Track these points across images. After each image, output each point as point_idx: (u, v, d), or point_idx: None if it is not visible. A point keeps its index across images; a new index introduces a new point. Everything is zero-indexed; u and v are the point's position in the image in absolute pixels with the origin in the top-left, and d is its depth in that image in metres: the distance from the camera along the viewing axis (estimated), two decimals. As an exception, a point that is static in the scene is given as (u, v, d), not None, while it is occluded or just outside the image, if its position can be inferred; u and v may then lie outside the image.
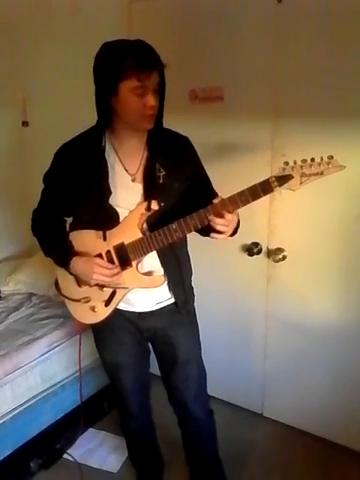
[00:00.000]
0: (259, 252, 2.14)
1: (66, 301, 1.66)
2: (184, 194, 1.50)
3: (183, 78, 2.08)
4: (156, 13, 2.16)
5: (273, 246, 2.11)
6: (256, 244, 2.13)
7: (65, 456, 2.21)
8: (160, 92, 1.40)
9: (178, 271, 1.58)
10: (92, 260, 1.47)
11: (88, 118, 2.77)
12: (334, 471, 2.10)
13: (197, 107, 2.12)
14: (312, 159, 1.27)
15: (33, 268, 2.69)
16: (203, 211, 1.33)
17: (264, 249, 2.14)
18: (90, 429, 2.36)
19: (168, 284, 1.57)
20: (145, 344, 1.75)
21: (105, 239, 1.48)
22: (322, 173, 1.27)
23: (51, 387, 2.16)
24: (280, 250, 2.09)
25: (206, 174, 1.62)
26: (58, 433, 2.22)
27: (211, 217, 1.32)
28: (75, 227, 1.56)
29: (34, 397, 2.09)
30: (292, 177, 1.27)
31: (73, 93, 2.59)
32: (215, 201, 1.33)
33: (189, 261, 1.69)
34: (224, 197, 1.33)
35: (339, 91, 1.81)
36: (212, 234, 1.37)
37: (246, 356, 2.39)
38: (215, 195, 1.51)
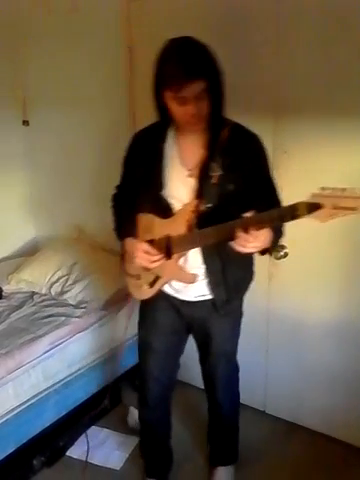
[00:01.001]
0: (260, 249, 2.14)
1: (125, 275, 1.78)
2: (241, 196, 1.48)
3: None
4: (154, 12, 2.16)
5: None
6: (257, 241, 2.13)
7: (68, 454, 2.21)
8: (213, 93, 1.40)
9: (221, 272, 1.59)
10: (137, 244, 1.56)
11: (89, 117, 2.78)
12: (336, 467, 2.11)
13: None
14: (353, 190, 1.16)
15: (35, 267, 2.69)
16: (233, 223, 1.33)
17: (265, 246, 2.14)
18: (93, 427, 2.36)
19: (209, 282, 1.60)
20: (181, 336, 1.80)
21: (155, 230, 1.56)
22: (355, 209, 1.15)
23: (54, 385, 2.15)
24: (282, 247, 2.08)
25: (270, 179, 1.58)
26: (61, 431, 2.22)
27: (237, 230, 1.31)
28: (141, 210, 1.64)
29: (37, 395, 2.08)
30: (322, 207, 1.18)
31: (74, 91, 2.60)
32: (245, 215, 1.31)
33: (245, 263, 1.68)
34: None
35: (339, 88, 1.81)
36: (232, 243, 1.35)
37: (248, 353, 2.37)
38: (276, 204, 1.50)
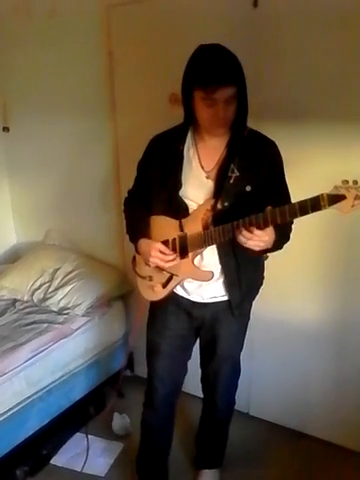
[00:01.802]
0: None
1: (136, 276, 1.79)
2: (256, 198, 1.51)
3: (163, 81, 2.10)
4: (134, 17, 2.17)
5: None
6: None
7: (52, 462, 2.18)
8: (239, 99, 1.44)
9: (236, 272, 1.61)
10: (152, 244, 1.59)
11: (70, 122, 2.77)
12: (320, 467, 2.13)
13: (177, 111, 2.13)
14: None
15: (16, 273, 2.67)
16: (253, 217, 1.36)
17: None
18: (77, 434, 2.34)
19: (224, 283, 1.63)
20: (189, 340, 1.81)
21: (169, 231, 1.59)
22: None
23: (37, 392, 2.13)
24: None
25: (285, 185, 1.61)
26: (45, 439, 2.20)
27: (252, 228, 1.35)
28: (154, 212, 1.67)
29: (20, 403, 2.06)
30: (345, 198, 1.21)
31: (54, 96, 2.59)
32: (266, 209, 1.34)
33: (257, 266, 1.74)
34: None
35: (316, 91, 1.85)
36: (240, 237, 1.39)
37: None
38: None
